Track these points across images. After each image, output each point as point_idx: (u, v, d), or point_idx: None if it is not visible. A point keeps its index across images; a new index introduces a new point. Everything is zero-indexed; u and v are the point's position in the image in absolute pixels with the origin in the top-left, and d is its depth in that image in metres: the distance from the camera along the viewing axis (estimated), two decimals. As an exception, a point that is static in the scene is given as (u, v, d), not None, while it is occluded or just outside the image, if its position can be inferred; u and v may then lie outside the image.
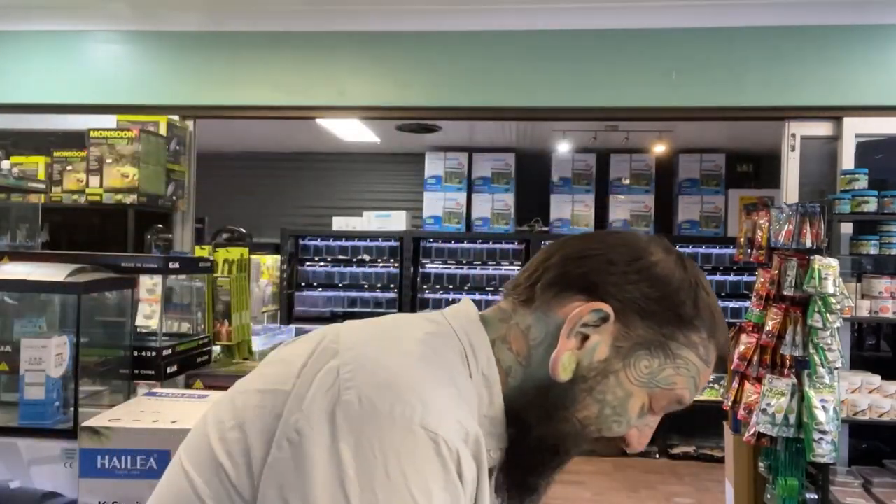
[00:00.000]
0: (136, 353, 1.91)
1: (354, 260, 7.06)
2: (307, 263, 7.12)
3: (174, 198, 3.72)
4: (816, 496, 3.17)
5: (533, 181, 7.06)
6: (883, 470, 3.43)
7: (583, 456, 0.93)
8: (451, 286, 6.95)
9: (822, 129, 3.65)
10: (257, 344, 2.79)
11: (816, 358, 3.07)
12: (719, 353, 0.91)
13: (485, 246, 6.96)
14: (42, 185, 3.31)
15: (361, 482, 0.71)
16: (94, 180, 3.35)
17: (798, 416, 3.14)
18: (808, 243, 3.20)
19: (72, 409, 1.67)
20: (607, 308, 0.86)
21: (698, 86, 3.65)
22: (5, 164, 2.87)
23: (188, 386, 2.00)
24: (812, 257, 3.13)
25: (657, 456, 6.01)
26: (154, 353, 1.91)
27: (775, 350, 3.38)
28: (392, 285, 7.01)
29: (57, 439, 1.59)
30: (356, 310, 7.05)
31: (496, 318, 0.92)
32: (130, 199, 3.33)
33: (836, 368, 3.09)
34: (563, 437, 0.88)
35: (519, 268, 6.86)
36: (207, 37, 3.89)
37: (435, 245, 7.00)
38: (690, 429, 6.01)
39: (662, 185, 6.98)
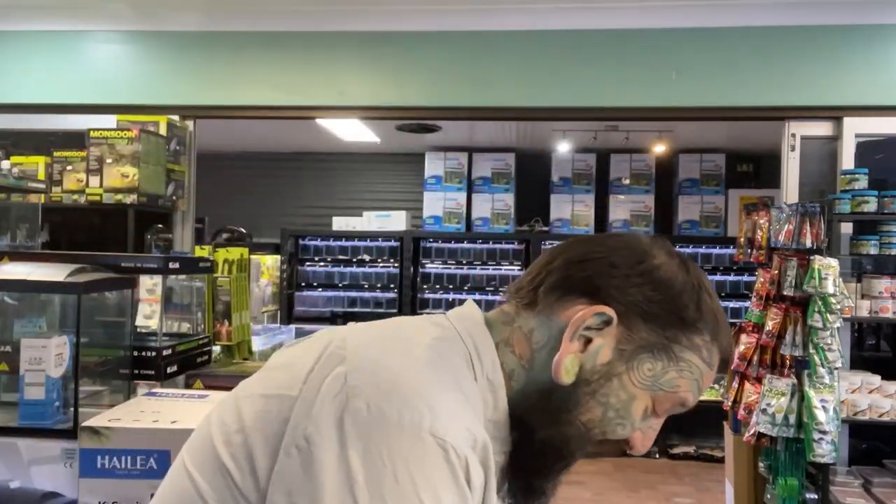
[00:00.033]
0: (136, 353, 1.91)
1: (354, 260, 7.06)
2: (307, 263, 7.12)
3: (174, 198, 3.72)
4: (816, 496, 3.17)
5: (533, 181, 7.06)
6: (883, 470, 3.43)
7: (586, 458, 0.93)
8: (451, 286, 6.95)
9: (822, 129, 3.65)
10: (257, 344, 2.79)
11: (816, 358, 3.07)
12: (722, 355, 0.91)
13: (485, 246, 6.96)
14: (42, 185, 3.31)
15: (371, 489, 0.71)
16: (94, 180, 3.35)
17: (798, 416, 3.14)
18: (808, 243, 3.20)
19: (72, 409, 1.67)
20: (610, 311, 0.87)
21: (698, 86, 3.65)
22: (5, 164, 2.87)
23: (188, 386, 2.00)
24: (812, 257, 3.12)
25: (657, 456, 6.02)
26: (154, 353, 1.91)
27: (775, 350, 3.38)
28: (392, 285, 7.01)
29: (57, 439, 1.59)
30: (356, 310, 7.05)
31: (499, 321, 0.92)
32: (130, 199, 3.33)
33: (836, 368, 3.09)
34: (566, 439, 0.88)
35: (519, 268, 6.88)
36: (207, 37, 3.89)
37: (435, 245, 7.00)
38: (690, 429, 6.01)
39: (662, 185, 6.98)
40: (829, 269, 3.06)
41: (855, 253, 3.39)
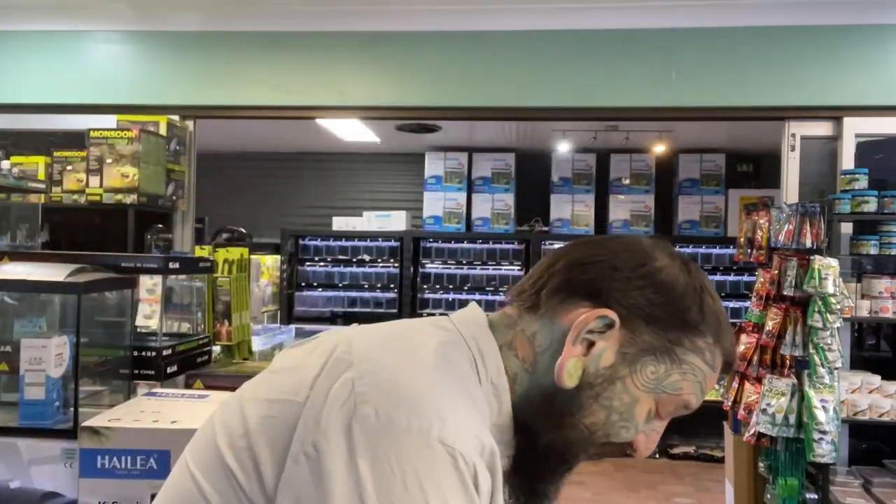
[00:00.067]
0: (136, 353, 1.91)
1: (354, 260, 7.06)
2: (307, 263, 7.12)
3: (174, 198, 3.72)
4: (816, 496, 3.17)
5: (533, 181, 7.06)
6: (883, 470, 3.43)
7: (588, 460, 0.93)
8: (451, 286, 6.95)
9: (822, 129, 3.65)
10: (257, 344, 2.79)
11: (816, 358, 3.07)
12: (725, 357, 0.91)
13: (485, 246, 6.96)
14: (42, 185, 3.31)
15: (380, 497, 0.71)
16: (94, 180, 3.35)
17: (798, 416, 3.14)
18: (808, 243, 3.19)
19: (72, 409, 1.67)
20: (613, 314, 0.86)
21: (698, 86, 3.65)
22: (5, 164, 2.87)
23: (188, 386, 2.00)
24: (812, 257, 3.12)
25: (657, 456, 6.02)
26: (154, 353, 1.91)
27: (775, 350, 3.38)
28: (392, 285, 7.01)
29: (57, 439, 1.59)
30: (356, 310, 7.05)
31: (502, 324, 0.92)
32: (130, 199, 3.33)
33: (836, 368, 3.09)
34: (570, 443, 0.88)
35: (519, 268, 6.89)
36: (207, 37, 3.89)
37: (435, 245, 7.00)
38: (690, 429, 6.01)
39: (662, 185, 6.98)
40: (829, 269, 3.06)
41: (855, 253, 3.39)
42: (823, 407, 3.04)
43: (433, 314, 6.96)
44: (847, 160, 3.55)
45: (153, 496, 1.40)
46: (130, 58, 3.94)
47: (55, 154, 3.51)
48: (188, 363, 2.05)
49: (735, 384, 3.67)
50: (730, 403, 3.71)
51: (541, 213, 7.06)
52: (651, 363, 0.87)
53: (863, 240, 3.33)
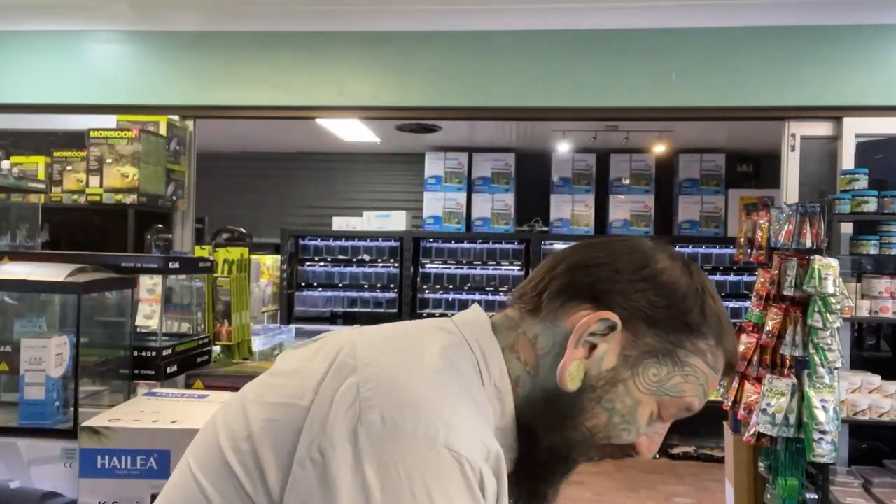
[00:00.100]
0: (136, 353, 1.92)
1: (354, 260, 7.06)
2: (307, 263, 7.12)
3: (174, 198, 3.72)
4: (816, 496, 3.17)
5: (533, 181, 7.07)
6: (883, 470, 3.43)
7: (589, 462, 0.93)
8: (451, 286, 6.95)
9: (822, 129, 3.65)
10: (257, 344, 2.79)
11: (816, 358, 3.07)
12: (727, 359, 0.91)
13: (485, 246, 6.96)
14: (42, 185, 3.31)
15: (387, 503, 0.71)
16: (94, 180, 3.35)
17: (798, 416, 3.14)
18: (808, 243, 3.19)
19: (72, 409, 1.67)
20: (614, 317, 0.86)
21: (698, 86, 3.65)
22: (5, 164, 2.87)
23: (188, 386, 2.00)
24: (812, 257, 3.12)
25: (657, 456, 6.01)
26: (154, 353, 1.91)
27: (775, 350, 3.38)
28: (392, 285, 7.01)
29: (57, 439, 1.59)
30: (356, 310, 7.05)
31: (504, 326, 0.92)
32: (130, 199, 3.32)
33: (836, 368, 3.09)
34: (571, 445, 0.88)
35: (519, 268, 6.89)
36: (207, 37, 3.89)
37: (435, 245, 7.00)
38: (690, 429, 6.01)
39: (662, 185, 6.98)
40: (829, 269, 3.06)
41: (855, 253, 3.39)
42: (823, 407, 3.04)
43: (433, 314, 6.99)
44: (847, 160, 3.55)
45: (153, 496, 1.40)
46: (130, 58, 3.94)
47: (55, 154, 3.51)
48: (188, 363, 2.05)
49: (735, 384, 3.67)
50: (730, 403, 3.71)
51: (541, 213, 7.07)
52: (653, 365, 0.87)
53: (863, 240, 3.33)
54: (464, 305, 6.86)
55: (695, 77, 3.65)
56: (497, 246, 6.95)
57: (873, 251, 3.31)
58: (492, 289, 6.87)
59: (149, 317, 2.15)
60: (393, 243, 6.98)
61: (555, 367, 0.87)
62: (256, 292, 5.21)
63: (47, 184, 3.42)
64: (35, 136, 4.00)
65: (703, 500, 5.14)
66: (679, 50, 3.65)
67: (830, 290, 3.04)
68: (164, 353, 1.92)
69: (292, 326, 4.90)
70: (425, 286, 6.98)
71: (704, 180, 6.84)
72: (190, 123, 3.95)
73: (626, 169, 6.94)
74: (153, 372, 1.90)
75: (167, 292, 2.16)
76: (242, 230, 6.13)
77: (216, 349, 2.37)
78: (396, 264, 6.96)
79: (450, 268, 6.97)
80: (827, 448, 3.03)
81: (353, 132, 6.15)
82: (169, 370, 1.94)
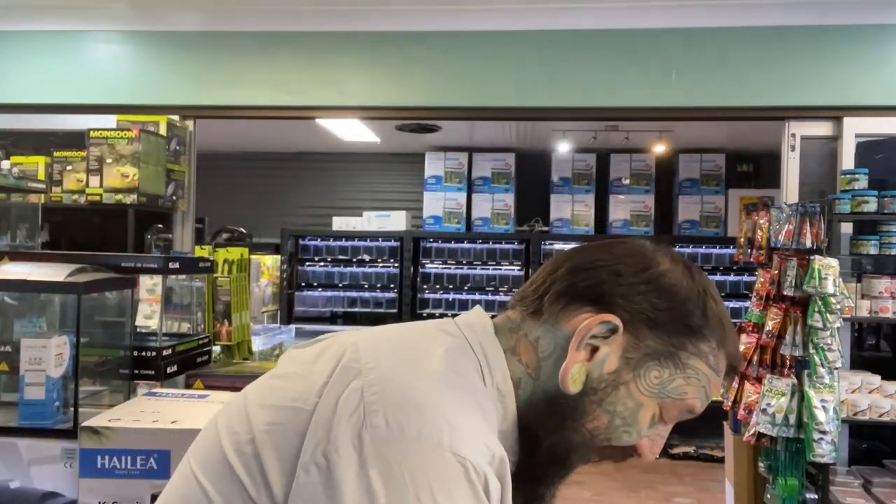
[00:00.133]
0: (136, 353, 1.92)
1: (354, 260, 7.06)
2: (307, 263, 7.12)
3: (174, 198, 3.72)
4: (816, 496, 3.17)
5: (533, 181, 7.07)
6: (883, 470, 3.43)
7: (592, 464, 0.93)
8: (451, 286, 6.95)
9: (822, 129, 3.65)
10: (257, 344, 2.79)
11: (816, 358, 3.07)
12: (729, 361, 0.91)
13: (485, 246, 6.96)
14: (42, 185, 3.31)
15: None
16: (94, 180, 3.35)
17: (798, 416, 3.14)
18: (808, 243, 3.19)
19: (72, 409, 1.67)
20: (616, 320, 0.86)
21: (698, 86, 3.65)
22: (5, 164, 2.87)
23: (188, 386, 2.00)
24: (812, 257, 3.12)
25: (657, 456, 6.01)
26: (154, 353, 1.91)
27: (775, 350, 3.38)
28: (392, 285, 7.01)
29: (57, 439, 1.59)
30: (356, 310, 7.05)
31: (505, 328, 0.92)
32: (130, 199, 3.32)
33: (836, 368, 3.09)
34: (572, 447, 0.88)
35: (519, 268, 6.89)
36: (207, 37, 3.89)
37: (435, 245, 7.00)
38: (690, 429, 6.01)
39: (662, 185, 6.98)
40: (829, 269, 3.06)
41: (855, 253, 3.39)
42: (823, 407, 3.04)
43: (433, 314, 6.98)
44: (847, 160, 3.55)
45: (153, 496, 1.40)
46: (130, 58, 3.94)
47: (55, 154, 3.51)
48: (188, 363, 2.05)
49: (735, 384, 3.67)
50: (730, 403, 3.71)
51: (541, 213, 7.07)
52: (655, 368, 0.87)
53: (863, 240, 3.33)
54: (464, 305, 6.88)
55: (695, 77, 3.65)
56: (497, 246, 6.95)
57: (873, 251, 3.30)
58: (492, 289, 6.87)
59: (149, 317, 2.15)
60: (393, 243, 6.98)
61: (556, 370, 0.87)
62: (256, 292, 5.21)
63: (47, 184, 3.42)
64: (35, 136, 4.00)
65: (703, 500, 5.14)
66: (679, 50, 3.65)
67: (830, 290, 3.04)
68: (164, 353, 1.93)
69: (292, 326, 4.91)
70: (425, 286, 6.98)
71: (704, 180, 6.84)
72: (190, 123, 3.95)
73: (626, 169, 6.94)
74: (153, 372, 1.90)
75: (167, 292, 2.16)
76: (242, 230, 6.13)
77: (216, 349, 2.38)
78: (396, 264, 6.96)
79: (450, 268, 6.97)
80: (827, 448, 3.03)
81: (353, 132, 6.16)
82: (169, 370, 1.94)
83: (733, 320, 0.96)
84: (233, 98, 3.87)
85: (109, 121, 3.64)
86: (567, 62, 3.72)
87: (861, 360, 3.66)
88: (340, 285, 7.09)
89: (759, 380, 3.42)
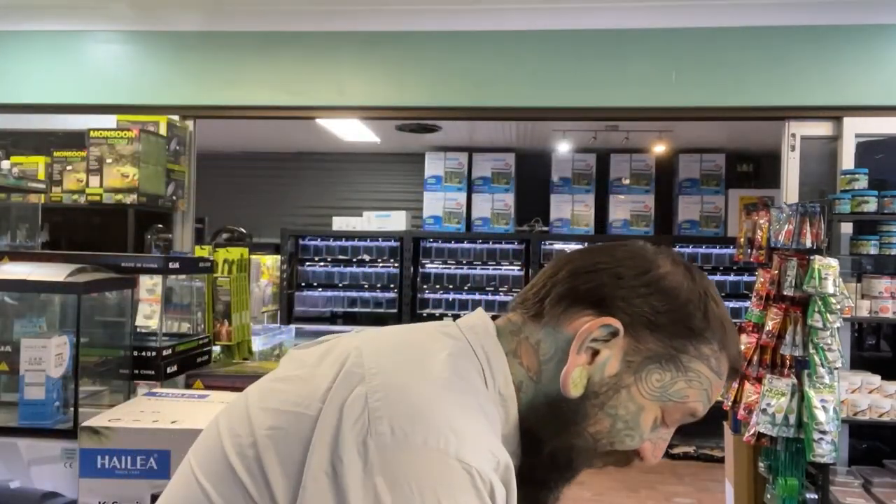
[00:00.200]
0: (136, 353, 1.92)
1: (354, 260, 7.06)
2: (307, 263, 7.12)
3: (174, 198, 3.72)
4: (816, 496, 3.17)
5: (533, 181, 7.07)
6: (883, 470, 3.43)
7: (594, 468, 0.92)
8: (451, 286, 6.95)
9: (822, 129, 3.65)
10: (257, 344, 2.79)
11: (816, 358, 3.07)
12: (731, 364, 0.91)
13: (485, 246, 6.96)
14: (42, 185, 3.31)
15: None
16: (94, 180, 3.35)
17: (798, 416, 3.14)
18: (808, 243, 3.20)
19: (72, 409, 1.67)
20: (616, 323, 0.86)
21: (698, 86, 3.65)
22: (5, 164, 2.87)
23: (188, 386, 2.00)
24: (812, 257, 3.12)
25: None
26: (154, 353, 1.91)
27: (775, 350, 3.38)
28: (392, 285, 7.01)
29: (57, 439, 1.59)
30: (356, 310, 7.05)
31: (507, 331, 0.92)
32: (130, 199, 3.32)
33: (836, 368, 3.09)
34: (574, 451, 0.88)
35: (519, 268, 6.89)
36: (207, 37, 3.89)
37: (435, 245, 7.00)
38: (690, 429, 5.99)
39: (662, 185, 6.98)
40: (829, 269, 3.06)
41: (855, 253, 3.39)
42: (823, 407, 3.04)
43: (433, 314, 6.98)
44: (847, 160, 3.55)
45: (153, 496, 1.40)
46: (130, 58, 3.94)
47: (55, 154, 3.51)
48: (188, 363, 2.05)
49: (735, 384, 3.67)
50: (730, 403, 3.71)
51: (541, 213, 7.07)
52: (656, 371, 0.87)
53: (863, 240, 3.33)
54: (464, 305, 6.88)
55: (695, 77, 3.65)
56: (497, 246, 6.95)
57: (873, 251, 3.31)
58: (492, 289, 6.87)
59: (149, 317, 2.15)
60: (393, 243, 6.98)
61: (557, 373, 0.87)
62: (256, 292, 5.21)
63: (47, 184, 3.42)
64: (35, 136, 4.00)
65: (703, 500, 5.14)
66: (679, 50, 3.65)
67: (830, 290, 3.04)
68: (164, 353, 1.92)
69: (292, 326, 4.91)
70: (425, 286, 6.98)
71: (704, 180, 6.84)
72: (190, 123, 3.95)
73: (626, 169, 6.94)
74: (153, 372, 1.90)
75: (167, 292, 2.16)
76: (242, 230, 6.13)
77: (216, 349, 2.38)
78: (396, 264, 6.96)
79: (450, 268, 6.97)
80: (827, 448, 3.03)
81: (353, 132, 6.15)
82: (169, 370, 1.94)
83: (733, 320, 0.95)
84: (233, 98, 3.87)
85: (109, 121, 3.64)
86: (567, 62, 3.72)
87: (861, 360, 3.66)
88: (340, 285, 7.09)
89: (759, 380, 3.42)
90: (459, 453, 0.73)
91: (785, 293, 3.29)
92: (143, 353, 1.91)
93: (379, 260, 7.02)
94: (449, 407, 0.77)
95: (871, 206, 3.22)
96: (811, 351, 3.09)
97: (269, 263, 6.05)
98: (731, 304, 6.40)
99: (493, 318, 0.94)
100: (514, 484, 0.79)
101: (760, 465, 3.44)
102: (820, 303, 3.05)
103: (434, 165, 7.07)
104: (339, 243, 7.08)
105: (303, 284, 7.11)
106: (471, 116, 4.37)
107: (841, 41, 3.56)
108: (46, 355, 1.63)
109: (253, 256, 4.80)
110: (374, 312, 6.97)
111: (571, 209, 6.93)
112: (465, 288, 6.92)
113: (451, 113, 4.01)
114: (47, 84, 3.93)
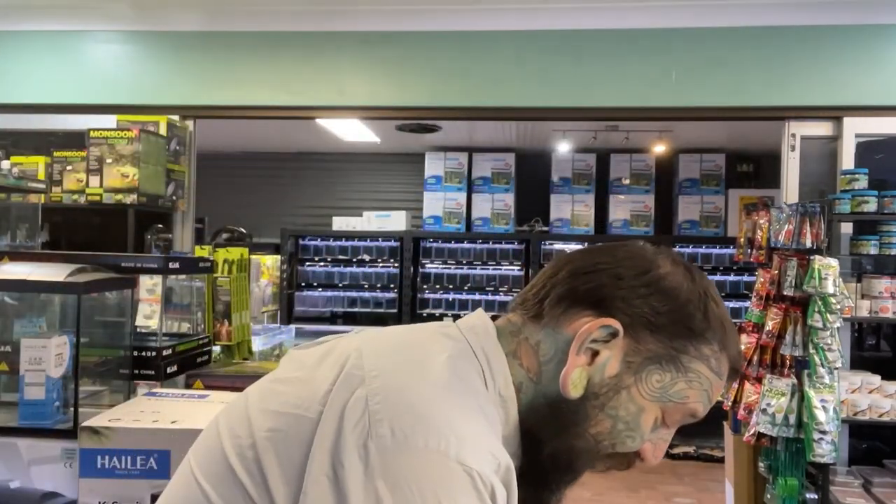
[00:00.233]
0: (136, 353, 1.92)
1: (354, 260, 7.06)
2: (307, 263, 7.12)
3: (174, 198, 3.72)
4: (816, 496, 3.17)
5: (533, 181, 7.07)
6: (883, 470, 3.43)
7: (595, 471, 0.92)
8: (451, 286, 6.95)
9: (822, 129, 3.65)
10: (257, 344, 2.79)
11: (816, 358, 3.07)
12: (732, 364, 0.91)
13: (485, 246, 6.96)
14: (42, 185, 3.31)
15: None
16: (94, 180, 3.35)
17: (798, 416, 3.14)
18: (808, 243, 3.20)
19: (72, 409, 1.67)
20: (616, 323, 0.86)
21: (698, 86, 3.65)
22: (5, 164, 2.86)
23: (188, 386, 2.00)
24: (812, 257, 3.13)
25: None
26: (154, 353, 1.91)
27: (775, 350, 3.38)
28: (392, 285, 7.01)
29: (57, 439, 1.59)
30: (356, 310, 7.05)
31: (507, 331, 0.91)
32: (130, 199, 3.32)
33: (836, 368, 3.09)
34: (576, 453, 0.88)
35: (519, 268, 6.89)
36: (207, 37, 3.89)
37: (435, 245, 7.00)
38: (690, 429, 5.99)
39: (662, 185, 6.98)
40: (829, 269, 3.06)
41: (855, 253, 3.39)
42: (823, 407, 3.04)
43: (433, 314, 6.98)
44: (847, 160, 3.55)
45: (153, 496, 1.40)
46: (130, 58, 3.94)
47: (55, 154, 3.51)
48: (188, 363, 2.05)
49: (735, 384, 3.67)
50: (730, 403, 3.71)
51: (541, 213, 7.07)
52: (656, 372, 0.87)
53: (863, 240, 3.33)
54: (464, 305, 6.88)
55: (695, 77, 3.65)
56: (497, 246, 6.95)
57: (873, 251, 3.31)
58: (492, 289, 6.87)
59: (149, 317, 2.15)
60: (393, 243, 6.98)
61: (557, 374, 0.87)
62: (256, 292, 5.21)
63: (47, 184, 3.42)
64: (35, 136, 4.00)
65: (703, 500, 5.14)
66: (679, 50, 3.65)
67: (830, 290, 3.04)
68: (164, 353, 1.92)
69: (292, 326, 4.91)
70: (425, 286, 6.98)
71: (704, 180, 6.84)
72: (190, 123, 3.95)
73: (626, 169, 6.94)
74: (153, 372, 1.90)
75: (167, 292, 2.16)
76: (242, 230, 6.13)
77: (216, 349, 2.38)
78: (396, 264, 6.96)
79: (450, 268, 6.97)
80: (827, 448, 3.03)
81: (353, 132, 6.15)
82: (169, 370, 1.94)
83: (733, 320, 0.95)
84: (233, 98, 3.87)
85: (109, 121, 3.64)
86: (567, 62, 3.72)
87: (861, 360, 3.66)
88: (340, 285, 7.09)
89: (759, 380, 3.42)
90: (460, 455, 0.73)
91: (785, 293, 3.29)
92: (143, 353, 1.91)
93: (379, 260, 7.02)
94: (449, 409, 0.77)
95: (871, 206, 3.22)
96: (811, 351, 3.09)
97: (269, 263, 6.05)
98: (731, 304, 6.40)
99: (493, 318, 0.94)
100: (514, 485, 0.79)
101: (760, 465, 3.44)
102: (820, 303, 3.05)
103: (434, 165, 7.07)
104: (339, 243, 7.08)
105: (303, 284, 7.11)
106: (471, 116, 4.37)
107: (841, 41, 3.56)
108: (46, 355, 1.63)
109: (253, 256, 4.80)
110: (374, 312, 6.97)
111: (571, 209, 6.93)
112: (465, 288, 6.92)
113: (451, 113, 4.01)
114: (47, 84, 3.93)
